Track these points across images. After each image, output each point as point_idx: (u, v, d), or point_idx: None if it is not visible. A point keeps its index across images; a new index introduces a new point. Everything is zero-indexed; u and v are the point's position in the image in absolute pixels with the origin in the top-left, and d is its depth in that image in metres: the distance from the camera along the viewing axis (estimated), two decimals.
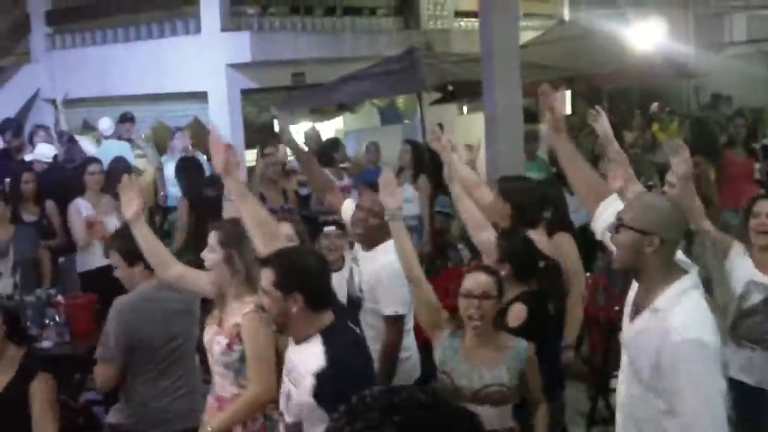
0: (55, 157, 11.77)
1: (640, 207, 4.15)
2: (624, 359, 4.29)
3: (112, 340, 5.84)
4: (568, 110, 18.18)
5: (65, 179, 10.93)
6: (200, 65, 14.35)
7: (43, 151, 11.72)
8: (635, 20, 16.32)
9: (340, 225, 7.42)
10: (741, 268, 5.91)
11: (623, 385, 4.29)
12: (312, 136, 12.80)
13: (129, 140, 13.20)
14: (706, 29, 18.56)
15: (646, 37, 13.48)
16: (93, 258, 9.61)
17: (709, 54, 16.92)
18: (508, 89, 9.95)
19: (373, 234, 6.21)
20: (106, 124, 13.30)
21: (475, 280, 5.15)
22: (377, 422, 1.85)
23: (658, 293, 4.04)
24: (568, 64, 13.12)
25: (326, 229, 7.39)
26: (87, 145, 13.24)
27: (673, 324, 3.92)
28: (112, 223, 9.45)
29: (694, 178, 6.11)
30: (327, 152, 11.91)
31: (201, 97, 14.74)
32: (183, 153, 12.35)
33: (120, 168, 10.50)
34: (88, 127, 15.09)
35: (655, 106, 15.69)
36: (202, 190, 10.22)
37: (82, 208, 9.85)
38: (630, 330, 4.19)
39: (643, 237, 4.01)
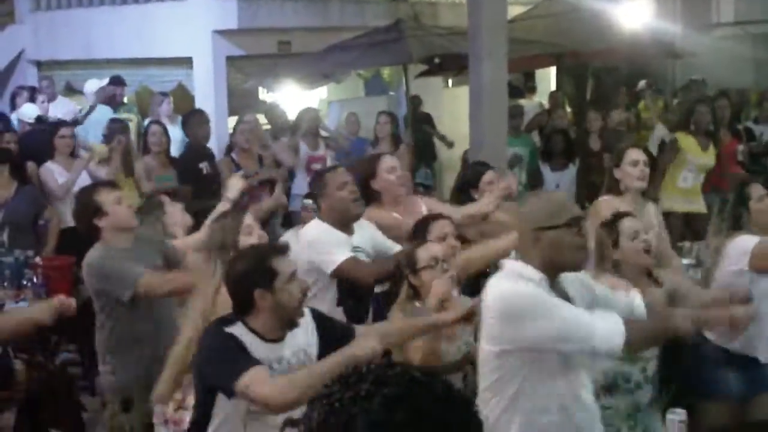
0: (38, 118, 11.69)
1: None
2: None
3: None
4: (553, 86, 18.18)
5: (47, 141, 10.89)
6: (186, 31, 14.28)
7: (27, 112, 11.67)
8: None
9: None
10: None
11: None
12: None
13: (122, 103, 13.12)
14: (694, 10, 18.53)
15: (633, 15, 13.43)
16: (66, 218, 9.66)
17: (696, 34, 16.89)
18: (495, 64, 9.92)
19: None
20: (93, 86, 13.15)
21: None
22: (366, 393, 1.85)
23: None
24: (555, 40, 13.10)
25: (304, 200, 7.41)
26: (69, 105, 13.18)
27: None
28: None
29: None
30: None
31: (186, 62, 14.69)
32: (166, 118, 12.27)
33: (117, 129, 10.54)
34: (72, 90, 15.01)
35: (643, 83, 15.67)
36: (196, 163, 10.30)
37: (56, 173, 9.85)
38: None
39: None
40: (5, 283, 8.01)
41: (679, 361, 5.53)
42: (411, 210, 6.71)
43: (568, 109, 15.11)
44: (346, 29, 14.08)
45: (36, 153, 10.29)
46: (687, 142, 10.52)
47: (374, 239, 6.30)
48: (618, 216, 5.38)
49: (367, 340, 4.32)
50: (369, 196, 6.61)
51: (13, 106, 12.77)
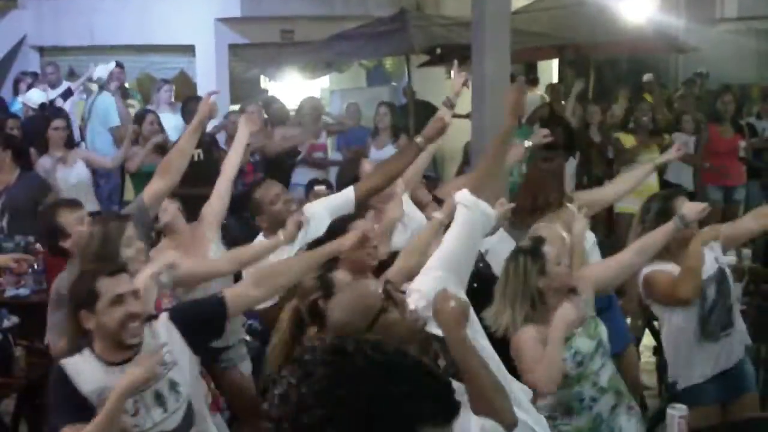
0: (42, 105, 11.67)
1: None
2: None
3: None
4: (555, 79, 18.15)
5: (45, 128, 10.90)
6: (189, 18, 14.28)
7: (32, 97, 11.65)
8: None
9: (329, 185, 7.46)
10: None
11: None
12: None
13: (125, 88, 13.07)
14: (698, 4, 18.48)
15: (637, 9, 13.41)
16: None
17: (700, 29, 16.86)
18: (498, 55, 9.90)
19: None
20: (102, 72, 13.06)
21: None
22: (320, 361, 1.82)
23: None
24: (559, 33, 13.08)
25: (316, 188, 7.42)
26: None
27: None
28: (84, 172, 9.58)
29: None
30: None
31: (188, 50, 14.70)
32: (167, 105, 12.24)
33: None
34: (74, 75, 14.99)
35: (649, 76, 15.65)
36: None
37: (48, 166, 9.85)
38: None
39: None
40: (6, 269, 8.00)
41: None
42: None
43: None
44: (350, 18, 14.08)
45: (37, 139, 10.29)
46: (628, 140, 10.75)
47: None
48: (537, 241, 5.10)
49: None
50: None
51: (16, 92, 12.74)
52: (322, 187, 7.29)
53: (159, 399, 4.20)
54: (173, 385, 4.24)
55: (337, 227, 5.15)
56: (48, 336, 5.65)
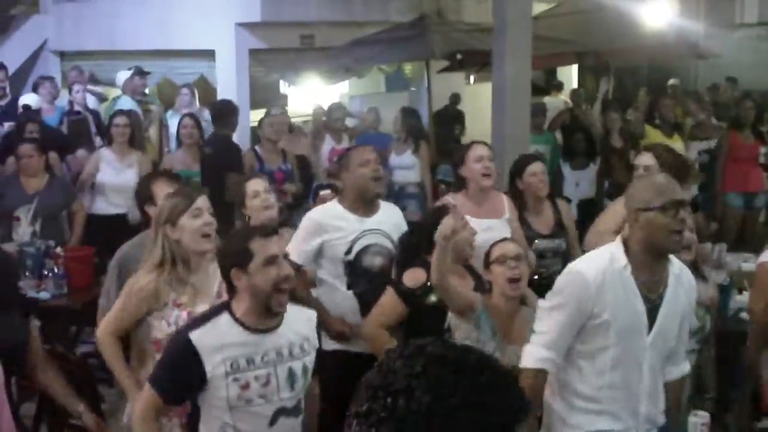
0: (25, 107, 11.60)
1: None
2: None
3: (112, 292, 5.79)
4: (575, 84, 18.13)
5: (57, 132, 10.95)
6: (209, 23, 14.32)
7: (26, 100, 11.63)
8: None
9: (335, 189, 7.43)
10: None
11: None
12: None
13: (143, 94, 13.09)
14: (718, 9, 18.42)
15: (657, 15, 13.37)
16: (100, 204, 9.85)
17: (720, 34, 16.82)
18: (519, 61, 9.91)
19: None
20: (124, 76, 13.06)
21: (503, 246, 5.29)
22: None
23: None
24: (579, 39, 13.06)
25: (322, 192, 7.41)
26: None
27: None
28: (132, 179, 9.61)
29: None
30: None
31: (209, 55, 14.73)
32: (188, 109, 12.24)
33: (135, 121, 10.56)
34: (95, 81, 15.04)
35: (674, 81, 15.61)
36: (204, 147, 10.21)
37: (106, 157, 9.90)
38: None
39: None
40: (27, 273, 8.01)
41: None
42: (492, 206, 6.63)
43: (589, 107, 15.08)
44: (370, 24, 14.11)
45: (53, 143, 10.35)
46: (653, 133, 10.78)
47: (399, 225, 6.29)
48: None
49: None
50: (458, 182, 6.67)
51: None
52: (328, 192, 7.28)
53: (291, 378, 4.27)
54: (305, 371, 4.31)
55: (430, 220, 5.53)
56: (100, 300, 5.76)
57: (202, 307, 4.91)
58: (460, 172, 6.59)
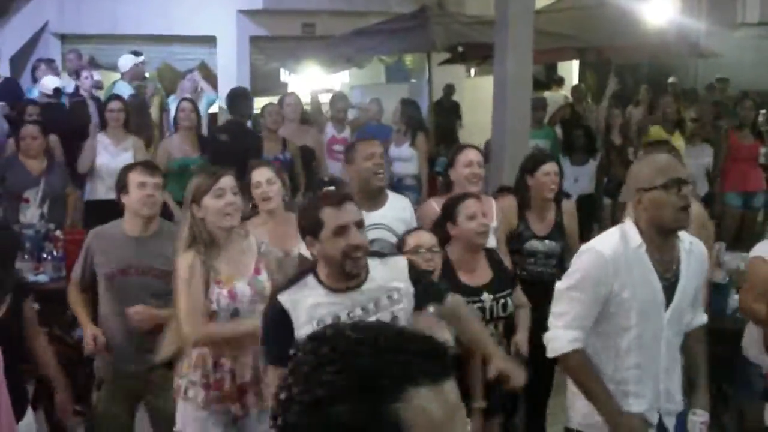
0: (56, 90, 11.66)
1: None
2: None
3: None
4: (576, 80, 18.13)
5: (66, 113, 10.92)
6: (211, 10, 14.32)
7: (47, 84, 11.66)
8: None
9: (337, 184, 7.47)
10: None
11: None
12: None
13: (144, 78, 13.06)
14: (719, 9, 18.43)
15: (659, 13, 13.38)
16: (98, 188, 9.85)
17: (721, 33, 16.83)
18: (520, 55, 9.90)
19: None
20: (127, 61, 13.00)
21: (418, 236, 5.48)
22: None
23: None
24: (580, 34, 13.06)
25: (326, 190, 7.41)
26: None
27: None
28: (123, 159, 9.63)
29: None
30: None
31: (210, 41, 14.72)
32: (190, 94, 12.21)
33: (137, 106, 10.56)
34: (95, 64, 15.01)
35: (674, 79, 15.61)
36: (216, 134, 10.25)
37: (102, 142, 9.92)
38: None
39: None
40: (26, 256, 8.02)
41: None
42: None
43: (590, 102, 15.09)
44: (371, 14, 14.11)
45: (55, 126, 10.34)
46: (653, 129, 10.83)
47: (405, 219, 6.31)
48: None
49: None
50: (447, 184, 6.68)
51: (35, 79, 12.75)
52: (332, 188, 7.29)
53: None
54: (394, 320, 4.31)
55: (449, 207, 5.70)
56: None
57: (241, 285, 5.07)
58: (449, 174, 6.62)
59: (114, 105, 10.08)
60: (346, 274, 4.23)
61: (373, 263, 4.36)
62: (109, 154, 9.91)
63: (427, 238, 5.40)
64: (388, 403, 1.70)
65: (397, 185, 10.74)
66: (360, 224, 4.27)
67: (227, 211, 5.02)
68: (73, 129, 10.53)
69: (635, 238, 4.27)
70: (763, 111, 12.89)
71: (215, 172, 5.20)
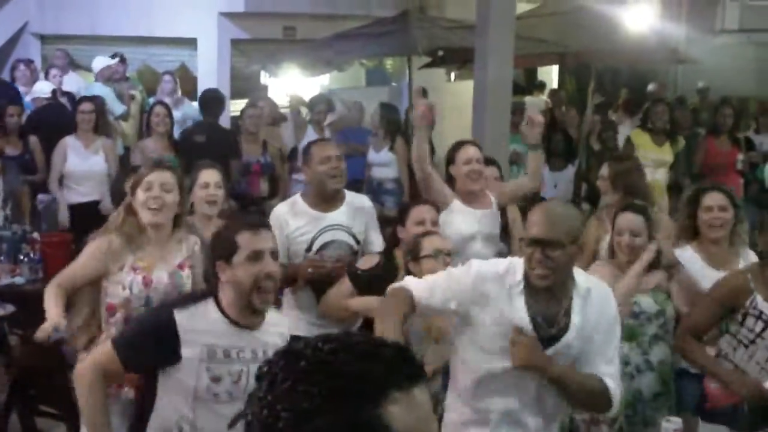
0: (54, 92, 11.65)
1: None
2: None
3: None
4: (555, 85, 18.17)
5: (61, 116, 10.91)
6: (192, 12, 14.28)
7: (42, 88, 11.64)
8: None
9: None
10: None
11: None
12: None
13: (125, 79, 13.03)
14: (699, 16, 18.54)
15: (638, 17, 13.42)
16: (71, 193, 9.93)
17: (701, 40, 16.91)
18: (501, 60, 9.92)
19: None
20: (99, 63, 12.95)
21: (437, 241, 5.49)
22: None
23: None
24: (560, 39, 13.08)
25: (243, 214, 7.46)
26: (79, 82, 13.11)
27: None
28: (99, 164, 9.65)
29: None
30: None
31: (190, 43, 14.69)
32: (170, 97, 12.19)
33: (98, 107, 10.52)
34: (74, 65, 14.95)
35: (653, 86, 15.64)
36: (191, 136, 10.24)
37: (72, 145, 9.89)
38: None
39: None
40: (2, 258, 8.00)
41: None
42: (480, 205, 6.68)
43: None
44: (352, 18, 14.10)
45: (48, 127, 10.34)
46: (642, 138, 10.73)
47: (366, 224, 6.34)
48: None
49: None
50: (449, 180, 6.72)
51: (13, 79, 12.68)
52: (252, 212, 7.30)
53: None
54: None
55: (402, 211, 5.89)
56: None
57: (158, 273, 5.09)
58: (450, 171, 6.65)
59: (85, 107, 10.09)
60: (251, 307, 4.12)
61: (274, 313, 4.36)
62: (80, 157, 9.91)
63: (444, 242, 5.42)
64: (370, 409, 1.72)
65: (378, 189, 10.77)
66: (275, 255, 4.18)
67: (150, 204, 5.05)
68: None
69: (518, 275, 4.07)
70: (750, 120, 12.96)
71: (156, 165, 5.30)
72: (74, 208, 9.78)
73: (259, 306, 4.12)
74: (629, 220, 5.58)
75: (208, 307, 4.15)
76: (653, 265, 5.54)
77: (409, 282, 4.32)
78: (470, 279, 4.11)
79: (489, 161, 7.18)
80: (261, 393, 1.81)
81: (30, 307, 7.56)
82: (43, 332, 4.90)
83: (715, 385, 5.14)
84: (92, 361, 4.22)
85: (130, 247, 5.03)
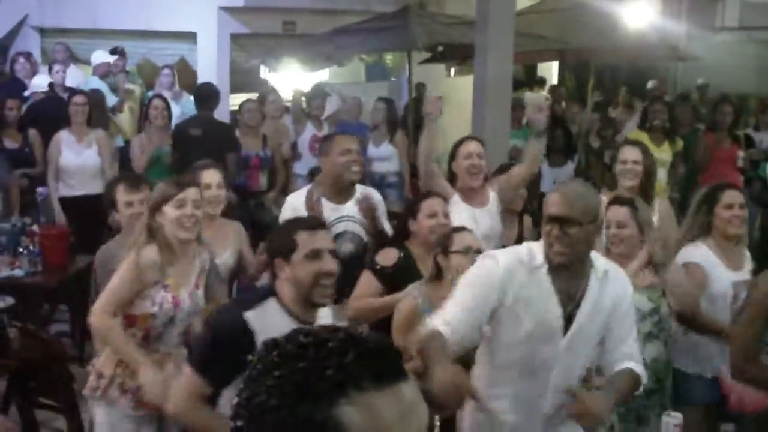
0: (51, 85, 11.64)
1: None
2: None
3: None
4: (555, 81, 18.16)
5: (59, 108, 10.91)
6: (192, 6, 14.29)
7: (39, 83, 11.64)
8: None
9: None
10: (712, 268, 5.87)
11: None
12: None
13: (126, 72, 13.02)
14: (699, 13, 18.49)
15: (639, 16, 13.40)
16: (66, 186, 9.92)
17: (701, 37, 16.88)
18: (500, 56, 9.91)
19: None
20: (98, 58, 12.96)
21: (469, 238, 5.45)
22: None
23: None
24: (560, 36, 13.07)
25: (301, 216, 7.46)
26: (79, 75, 13.10)
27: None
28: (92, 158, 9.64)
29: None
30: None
31: (190, 37, 14.68)
32: (169, 91, 12.19)
33: (97, 101, 10.53)
34: (74, 59, 14.94)
35: (653, 83, 15.62)
36: (187, 130, 10.21)
37: (65, 139, 9.88)
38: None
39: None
40: (1, 250, 8.01)
41: None
42: (480, 201, 6.70)
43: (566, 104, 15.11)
44: (352, 13, 14.10)
45: (46, 120, 10.33)
46: (640, 138, 10.75)
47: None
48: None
49: None
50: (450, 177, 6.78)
51: (13, 72, 12.68)
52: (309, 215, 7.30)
53: None
54: None
55: (413, 203, 5.93)
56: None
57: (182, 293, 5.05)
58: (452, 167, 6.68)
59: (78, 99, 10.08)
60: (312, 302, 4.18)
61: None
62: (73, 151, 9.89)
63: (475, 241, 5.44)
64: (325, 408, 1.68)
65: (380, 183, 10.78)
66: (333, 253, 4.23)
67: (184, 223, 5.01)
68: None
69: (539, 257, 4.15)
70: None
71: (183, 182, 5.23)
72: (70, 202, 9.77)
73: (320, 301, 4.20)
74: (614, 212, 5.61)
75: (272, 304, 4.20)
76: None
77: (440, 328, 4.18)
78: (499, 272, 4.15)
79: None
80: (241, 384, 1.80)
81: (29, 299, 7.60)
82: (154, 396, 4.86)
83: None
84: (183, 397, 4.23)
85: (162, 264, 4.99)
